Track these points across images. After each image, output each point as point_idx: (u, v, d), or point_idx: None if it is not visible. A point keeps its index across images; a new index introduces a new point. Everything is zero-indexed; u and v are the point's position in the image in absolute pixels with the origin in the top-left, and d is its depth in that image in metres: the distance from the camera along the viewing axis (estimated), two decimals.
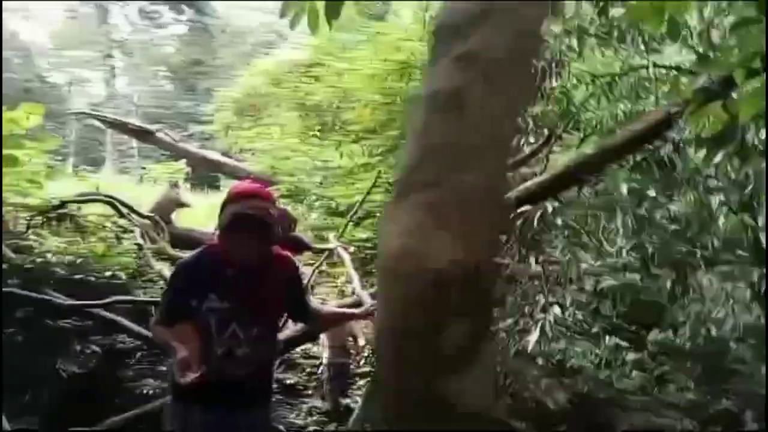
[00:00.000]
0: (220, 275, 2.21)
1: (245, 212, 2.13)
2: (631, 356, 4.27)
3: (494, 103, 1.14)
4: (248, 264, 2.21)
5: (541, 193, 5.37)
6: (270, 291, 2.28)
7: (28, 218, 5.75)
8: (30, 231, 5.53)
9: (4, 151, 6.15)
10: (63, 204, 6.04)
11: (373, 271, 7.72)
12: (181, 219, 8.91)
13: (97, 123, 17.15)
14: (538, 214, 5.58)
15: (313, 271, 6.49)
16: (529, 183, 5.47)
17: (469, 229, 1.08)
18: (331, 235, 7.85)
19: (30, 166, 6.30)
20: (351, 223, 7.87)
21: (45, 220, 5.77)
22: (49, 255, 5.12)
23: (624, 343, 4.38)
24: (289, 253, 2.50)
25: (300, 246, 5.42)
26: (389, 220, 1.22)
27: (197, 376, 2.02)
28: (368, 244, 7.83)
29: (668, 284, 4.46)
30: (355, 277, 5.55)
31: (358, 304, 5.26)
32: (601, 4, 2.73)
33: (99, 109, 25.02)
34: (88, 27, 27.34)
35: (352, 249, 7.78)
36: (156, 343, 2.34)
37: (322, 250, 6.56)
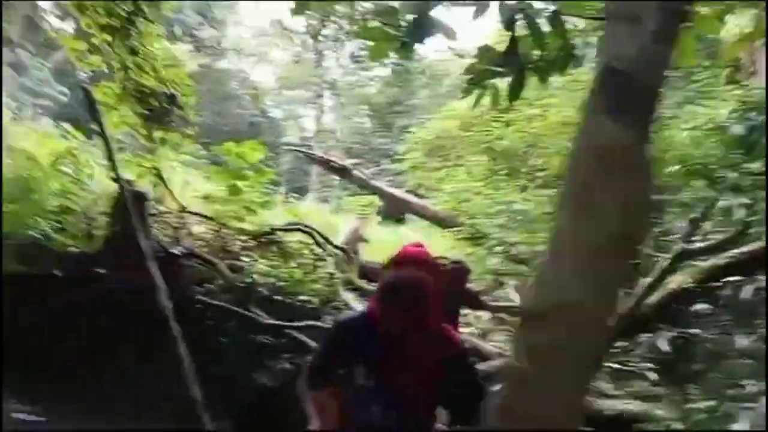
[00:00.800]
0: (371, 346, 2.03)
1: (394, 283, 1.96)
2: None
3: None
4: (398, 338, 1.99)
5: (753, 264, 4.72)
6: (422, 373, 2.01)
7: (243, 241, 6.63)
8: (244, 253, 6.36)
9: (231, 181, 7.23)
10: (272, 231, 6.84)
11: None
12: (367, 251, 9.46)
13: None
14: (752, 285, 4.90)
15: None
16: (738, 251, 4.85)
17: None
18: (510, 282, 7.74)
19: (249, 195, 7.30)
20: (532, 272, 7.68)
21: (257, 244, 6.60)
22: (256, 276, 5.83)
23: None
24: (455, 333, 2.25)
25: (473, 304, 5.40)
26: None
27: None
28: None
29: None
30: None
31: None
32: None
33: (308, 143, 27.94)
34: (306, 70, 30.80)
35: None
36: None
37: (500, 308, 6.48)
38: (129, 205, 4.50)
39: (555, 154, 8.63)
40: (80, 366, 5.17)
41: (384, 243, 10.55)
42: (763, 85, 7.02)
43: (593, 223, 1.16)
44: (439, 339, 2.07)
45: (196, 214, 6.96)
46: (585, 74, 8.33)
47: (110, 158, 4.37)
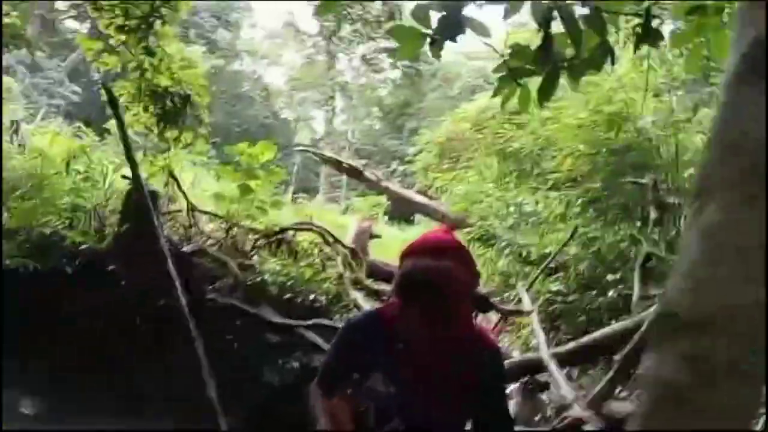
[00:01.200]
0: (389, 350, 1.74)
1: (413, 274, 1.62)
2: None
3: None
4: (422, 341, 1.69)
5: None
6: (452, 381, 1.74)
7: (254, 240, 6.64)
8: (254, 252, 6.38)
9: (242, 181, 7.25)
10: (282, 230, 6.85)
11: (561, 327, 7.36)
12: (375, 251, 9.46)
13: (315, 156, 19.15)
14: None
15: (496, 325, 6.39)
16: None
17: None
18: (519, 284, 7.69)
19: (260, 195, 7.33)
20: (542, 274, 7.64)
21: (267, 243, 6.61)
22: (266, 275, 5.84)
23: None
24: (491, 335, 1.98)
25: (483, 306, 5.35)
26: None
27: None
28: (558, 298, 7.51)
29: None
30: (542, 338, 5.36)
31: (539, 365, 5.04)
32: None
33: (319, 144, 28.06)
34: (318, 71, 30.91)
35: (539, 301, 7.51)
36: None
37: (511, 311, 6.46)
38: (148, 203, 4.53)
39: (568, 156, 8.58)
40: (89, 363, 5.20)
41: (392, 242, 10.57)
42: None
43: (759, 220, 1.02)
44: (469, 339, 1.77)
45: (206, 213, 6.99)
46: (598, 76, 8.31)
47: (129, 156, 4.41)
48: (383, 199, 14.19)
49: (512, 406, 4.91)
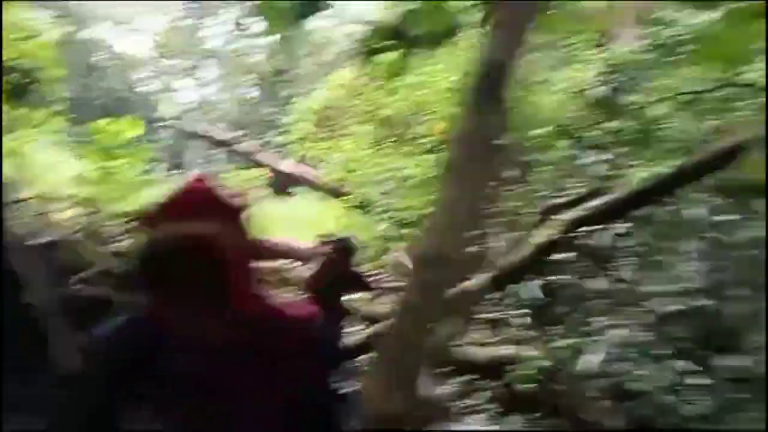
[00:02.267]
0: (159, 360, 1.12)
1: (150, 253, 1.09)
2: (696, 381, 4.12)
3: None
4: (198, 341, 1.11)
5: (612, 212, 5.26)
6: (256, 389, 1.15)
7: (125, 223, 6.30)
8: (125, 236, 6.06)
9: (106, 162, 6.81)
10: None
11: None
12: (260, 229, 9.28)
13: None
14: (610, 232, 5.48)
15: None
16: (598, 201, 5.37)
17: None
18: (396, 247, 8.00)
19: (127, 174, 6.93)
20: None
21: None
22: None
23: (693, 367, 4.23)
24: (296, 306, 1.30)
25: (358, 287, 5.47)
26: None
27: None
28: None
29: (744, 309, 4.28)
30: None
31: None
32: None
33: (190, 115, 26.68)
34: (186, 37, 29.12)
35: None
36: None
37: (387, 289, 6.71)
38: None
39: (440, 119, 8.92)
40: None
41: (277, 216, 10.45)
42: (624, 47, 7.38)
43: (460, 194, 1.40)
44: (271, 323, 1.20)
45: (62, 198, 6.48)
46: (465, 41, 8.64)
47: None
48: (262, 172, 13.90)
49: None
